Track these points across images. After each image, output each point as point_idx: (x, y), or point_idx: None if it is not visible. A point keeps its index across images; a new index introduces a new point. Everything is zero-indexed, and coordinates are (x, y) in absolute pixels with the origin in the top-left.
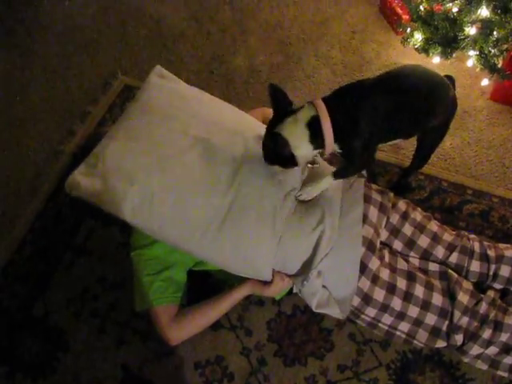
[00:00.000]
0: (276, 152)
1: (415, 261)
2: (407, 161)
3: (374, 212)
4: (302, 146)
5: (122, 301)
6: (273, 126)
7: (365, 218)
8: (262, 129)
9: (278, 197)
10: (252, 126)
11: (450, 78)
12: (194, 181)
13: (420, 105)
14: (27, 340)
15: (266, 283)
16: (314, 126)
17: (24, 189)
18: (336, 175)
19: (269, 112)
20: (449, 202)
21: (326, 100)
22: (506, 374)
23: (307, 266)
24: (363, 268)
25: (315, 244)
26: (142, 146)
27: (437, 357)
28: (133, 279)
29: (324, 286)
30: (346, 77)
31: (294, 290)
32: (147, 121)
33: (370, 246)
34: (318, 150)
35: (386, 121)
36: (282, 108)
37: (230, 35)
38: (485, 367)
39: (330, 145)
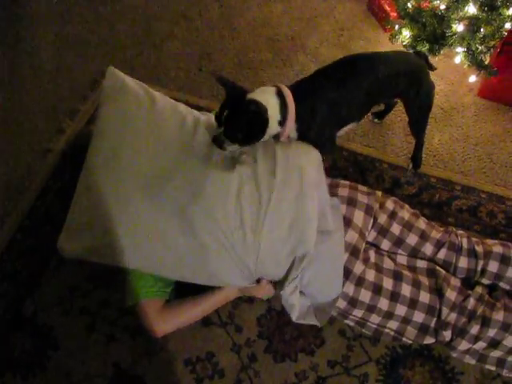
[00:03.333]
0: (251, 120)
1: (403, 258)
2: (395, 157)
3: (359, 215)
4: (274, 115)
5: (112, 298)
6: (238, 96)
7: (349, 223)
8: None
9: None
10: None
11: (420, 54)
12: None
13: (369, 87)
14: (16, 339)
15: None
16: (281, 97)
17: (13, 187)
18: None
19: None
20: (437, 197)
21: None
22: (493, 368)
23: (281, 283)
24: (347, 273)
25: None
26: (105, 199)
27: (426, 351)
28: (121, 276)
29: (302, 293)
30: None
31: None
32: (106, 166)
33: (353, 251)
34: (278, 128)
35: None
36: (237, 89)
37: (219, 33)
38: (473, 362)
39: (292, 121)
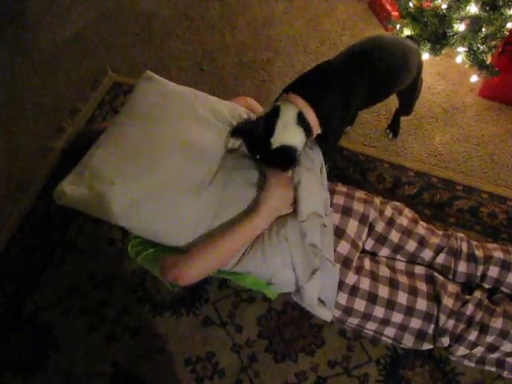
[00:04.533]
0: (284, 163)
1: (401, 264)
2: (396, 156)
3: (353, 225)
4: (300, 142)
5: (112, 298)
6: (263, 144)
7: (342, 234)
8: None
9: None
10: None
11: (412, 38)
12: (177, 182)
13: (386, 77)
14: (17, 338)
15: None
16: (303, 122)
17: (13, 186)
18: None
19: (252, 102)
20: (438, 197)
21: (296, 91)
22: (493, 369)
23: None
24: (340, 284)
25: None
26: (126, 151)
27: (426, 352)
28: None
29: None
30: None
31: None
32: (132, 125)
33: (345, 262)
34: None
35: (358, 99)
36: (252, 129)
37: (220, 32)
38: (472, 365)
39: (316, 132)
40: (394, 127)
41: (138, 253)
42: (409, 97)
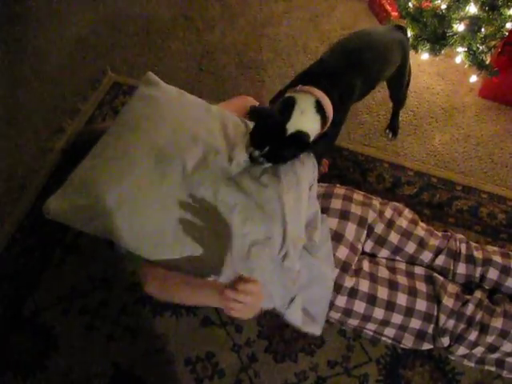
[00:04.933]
0: (295, 151)
1: (401, 265)
2: (395, 156)
3: (351, 228)
4: (314, 132)
5: (112, 298)
6: (275, 130)
7: (340, 238)
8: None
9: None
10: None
11: (400, 27)
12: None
13: (380, 67)
14: (17, 338)
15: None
16: (321, 110)
17: (13, 186)
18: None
19: (252, 101)
20: (438, 197)
21: (310, 83)
22: (493, 368)
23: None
24: (338, 288)
25: None
26: (108, 164)
27: (426, 352)
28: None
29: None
30: None
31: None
32: (121, 137)
33: (344, 266)
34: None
35: (358, 90)
36: (272, 117)
37: (220, 32)
38: (472, 364)
39: (330, 121)
40: (393, 126)
41: None
42: (398, 85)
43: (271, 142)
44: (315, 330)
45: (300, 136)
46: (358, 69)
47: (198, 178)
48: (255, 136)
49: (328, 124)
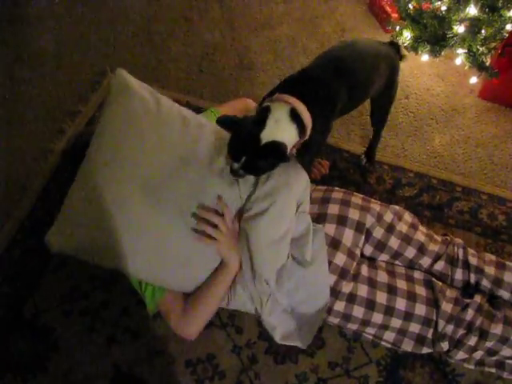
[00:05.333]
0: (273, 162)
1: (400, 269)
2: (395, 158)
3: (348, 234)
4: (291, 142)
5: (113, 299)
6: (250, 140)
7: (338, 245)
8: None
9: None
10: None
11: (393, 44)
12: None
13: (360, 81)
14: (17, 340)
15: None
16: (297, 118)
17: (13, 188)
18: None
19: (252, 104)
20: (438, 199)
21: (284, 92)
22: (493, 370)
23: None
24: (336, 293)
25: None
26: (99, 197)
27: (426, 353)
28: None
29: (287, 312)
30: None
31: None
32: (107, 165)
33: (342, 273)
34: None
35: (345, 101)
36: (240, 123)
37: (219, 33)
38: (472, 367)
39: (309, 132)
40: (369, 153)
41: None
42: (382, 105)
43: (246, 152)
44: (300, 344)
45: (275, 145)
46: (341, 76)
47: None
48: (232, 147)
49: (308, 132)
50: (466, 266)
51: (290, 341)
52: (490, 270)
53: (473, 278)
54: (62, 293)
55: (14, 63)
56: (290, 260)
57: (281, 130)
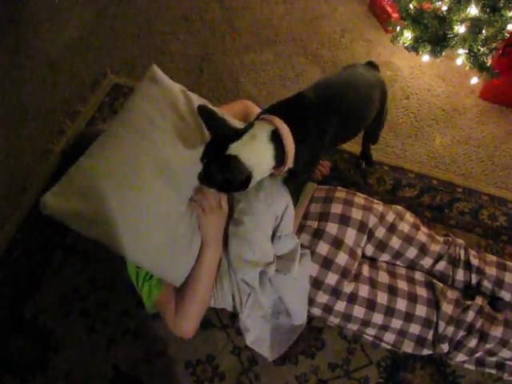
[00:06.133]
0: (228, 180)
1: (401, 269)
2: (396, 158)
3: (351, 234)
4: (263, 165)
5: (113, 300)
6: (220, 146)
7: (340, 244)
8: None
9: None
10: None
11: (373, 64)
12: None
13: (360, 112)
14: (17, 340)
15: None
16: (277, 140)
17: (13, 188)
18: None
19: (251, 107)
20: (439, 200)
21: (272, 113)
22: (494, 371)
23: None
24: (337, 293)
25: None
26: (110, 170)
27: (427, 355)
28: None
29: (267, 319)
30: None
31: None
32: (123, 139)
33: (343, 272)
34: (272, 170)
35: (335, 132)
36: (222, 127)
37: (220, 34)
38: (472, 367)
39: (291, 159)
40: (366, 155)
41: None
42: (374, 127)
43: (209, 156)
44: (266, 353)
45: (233, 161)
46: (335, 106)
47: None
48: (205, 148)
49: (289, 160)
50: (468, 266)
51: (260, 348)
52: (492, 271)
53: (474, 279)
54: (63, 293)
55: (14, 64)
56: (272, 270)
57: (253, 147)
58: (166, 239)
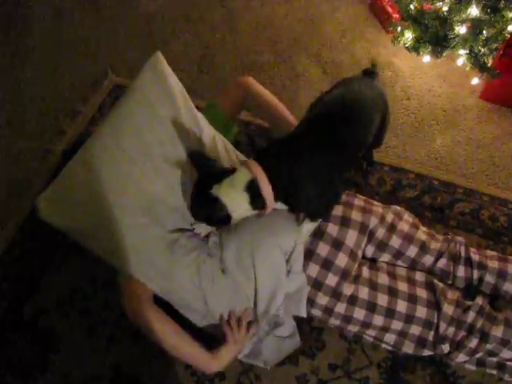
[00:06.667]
0: (211, 215)
1: (402, 270)
2: (396, 159)
3: (352, 235)
4: (240, 209)
5: (113, 301)
6: (205, 185)
7: (341, 245)
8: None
9: None
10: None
11: (371, 72)
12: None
13: (360, 139)
14: (17, 341)
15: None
16: (253, 190)
17: (13, 188)
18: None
19: (250, 86)
20: (439, 200)
21: (259, 160)
22: (494, 372)
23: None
24: (338, 295)
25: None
26: (100, 181)
27: (427, 355)
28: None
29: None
30: (336, 75)
31: None
32: (114, 149)
33: (343, 274)
34: (257, 210)
35: (329, 173)
36: (209, 168)
37: (220, 34)
38: (473, 368)
39: (271, 205)
40: (367, 158)
41: None
42: (377, 136)
43: (194, 194)
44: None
45: (217, 205)
46: (330, 144)
47: None
48: (193, 185)
49: (267, 206)
50: (469, 262)
51: (254, 361)
52: (494, 264)
53: (476, 275)
54: (62, 294)
55: (14, 63)
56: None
57: (230, 195)
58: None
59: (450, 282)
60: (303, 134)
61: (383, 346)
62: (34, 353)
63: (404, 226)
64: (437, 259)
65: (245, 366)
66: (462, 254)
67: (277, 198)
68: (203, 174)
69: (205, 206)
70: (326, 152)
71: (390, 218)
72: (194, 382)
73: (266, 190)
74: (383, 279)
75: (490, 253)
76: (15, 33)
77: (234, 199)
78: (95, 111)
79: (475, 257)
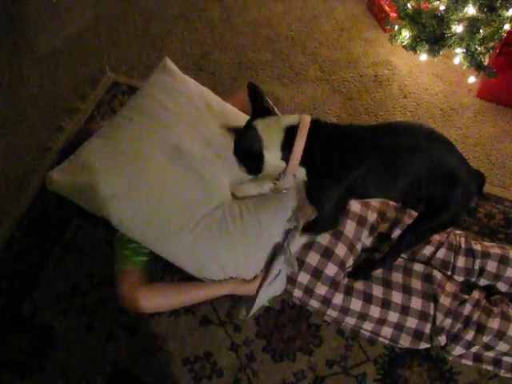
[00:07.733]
0: (246, 147)
1: (399, 261)
2: None
3: (350, 226)
4: (272, 149)
5: (111, 297)
6: (251, 120)
7: (340, 235)
8: None
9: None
10: None
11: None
12: (165, 186)
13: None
14: (15, 337)
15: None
16: (290, 134)
17: (12, 186)
18: (304, 229)
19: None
20: None
21: (316, 122)
22: (491, 368)
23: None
24: (336, 285)
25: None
26: (119, 148)
27: (424, 351)
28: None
29: None
30: (334, 74)
31: None
32: (133, 121)
33: (341, 264)
34: (282, 166)
35: (372, 179)
36: (263, 107)
37: (218, 32)
38: (470, 363)
39: (296, 160)
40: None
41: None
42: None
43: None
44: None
45: (251, 131)
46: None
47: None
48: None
49: (291, 158)
50: (470, 253)
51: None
52: (496, 250)
53: (477, 264)
54: (60, 290)
55: (13, 61)
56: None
57: (269, 127)
58: (169, 216)
59: (449, 273)
60: (366, 134)
61: (380, 340)
62: (32, 349)
63: (405, 219)
64: (437, 249)
65: (242, 362)
66: (463, 245)
67: (301, 161)
68: (255, 111)
69: (241, 135)
70: (372, 162)
71: (392, 214)
72: (191, 377)
73: (299, 142)
74: (377, 272)
75: (489, 243)
76: (14, 31)
77: (270, 135)
78: (93, 109)
79: (477, 247)
